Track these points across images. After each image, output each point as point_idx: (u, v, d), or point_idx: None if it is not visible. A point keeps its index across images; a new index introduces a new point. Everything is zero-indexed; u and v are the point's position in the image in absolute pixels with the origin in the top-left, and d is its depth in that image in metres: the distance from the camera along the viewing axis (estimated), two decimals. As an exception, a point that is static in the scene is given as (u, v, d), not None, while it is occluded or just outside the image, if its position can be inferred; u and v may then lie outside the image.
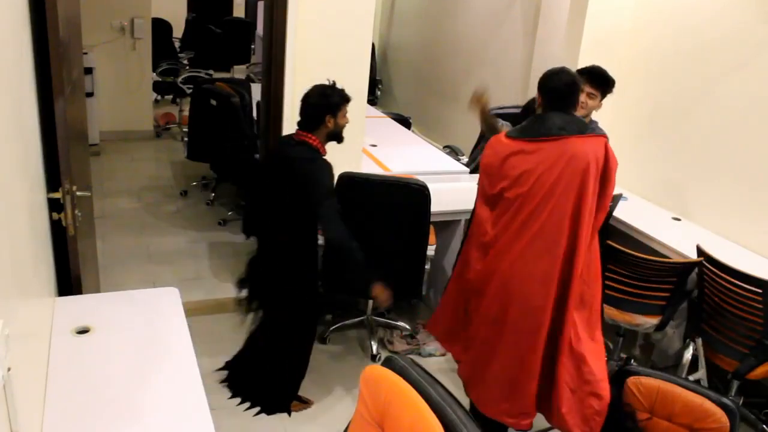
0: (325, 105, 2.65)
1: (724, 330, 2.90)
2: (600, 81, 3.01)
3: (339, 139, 2.75)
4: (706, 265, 2.91)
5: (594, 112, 3.07)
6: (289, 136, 2.78)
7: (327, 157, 2.73)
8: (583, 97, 2.92)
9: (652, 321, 3.13)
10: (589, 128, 2.45)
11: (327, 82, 2.70)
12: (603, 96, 3.04)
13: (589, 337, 2.53)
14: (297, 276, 2.85)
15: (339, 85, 2.70)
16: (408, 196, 3.12)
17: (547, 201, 2.39)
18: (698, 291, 3.04)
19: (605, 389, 2.42)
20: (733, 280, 2.79)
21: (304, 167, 2.66)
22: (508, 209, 2.49)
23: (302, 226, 2.78)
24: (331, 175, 2.72)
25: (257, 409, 2.97)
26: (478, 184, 2.66)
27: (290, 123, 3.47)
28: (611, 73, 3.04)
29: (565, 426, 2.50)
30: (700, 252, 2.95)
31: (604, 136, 2.47)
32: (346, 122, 2.74)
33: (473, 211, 2.75)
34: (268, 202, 2.82)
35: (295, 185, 2.68)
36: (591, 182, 2.36)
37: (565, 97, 2.46)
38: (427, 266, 3.36)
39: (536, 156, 2.41)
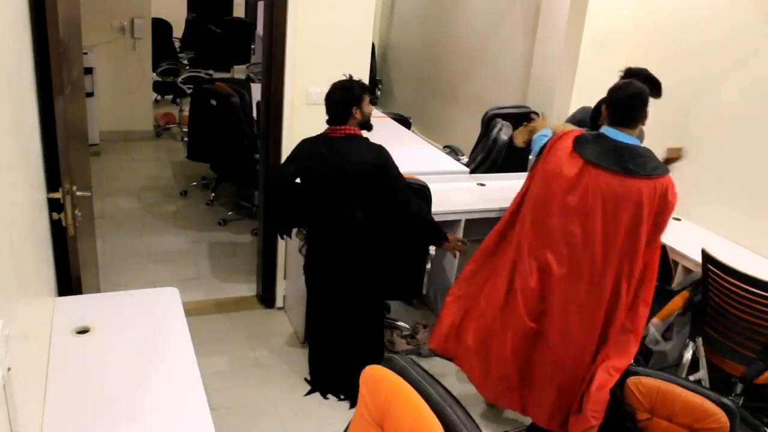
0: (349, 98, 2.83)
1: (730, 334, 2.86)
2: (659, 90, 2.82)
3: (368, 127, 2.94)
4: (711, 268, 2.86)
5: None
6: (326, 135, 2.89)
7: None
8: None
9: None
10: (660, 168, 2.42)
11: (344, 77, 2.88)
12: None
13: (619, 355, 2.52)
14: (379, 253, 3.04)
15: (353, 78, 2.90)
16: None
17: (606, 239, 2.43)
18: (702, 294, 2.99)
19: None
20: (739, 283, 2.74)
21: (372, 155, 2.87)
22: (568, 238, 2.49)
23: (375, 208, 2.95)
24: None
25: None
26: (530, 183, 2.65)
27: (290, 123, 3.47)
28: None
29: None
30: (706, 255, 2.89)
31: (668, 174, 2.44)
32: (371, 110, 2.94)
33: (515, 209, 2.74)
34: (335, 199, 2.90)
35: (364, 175, 2.86)
36: (645, 222, 2.40)
37: (629, 110, 2.43)
38: (428, 266, 3.36)
39: (607, 189, 2.40)
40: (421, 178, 3.22)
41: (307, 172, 2.90)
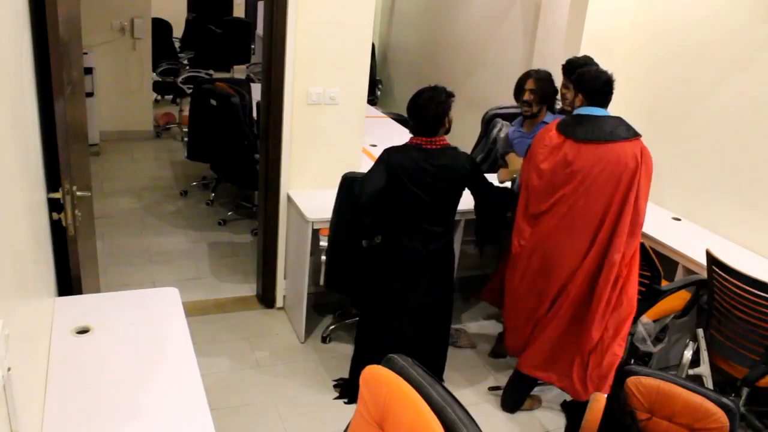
0: (443, 110, 2.79)
1: (733, 336, 2.84)
2: (572, 73, 3.10)
3: (449, 131, 2.92)
4: (716, 270, 2.84)
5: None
6: (420, 147, 2.82)
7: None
8: (562, 89, 3.30)
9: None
10: (631, 131, 2.72)
11: (431, 85, 2.84)
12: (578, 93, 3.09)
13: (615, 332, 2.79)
14: (452, 256, 3.08)
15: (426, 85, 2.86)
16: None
17: (588, 193, 2.72)
18: (707, 296, 2.97)
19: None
20: (743, 285, 2.72)
21: (467, 160, 2.90)
22: (555, 198, 2.79)
23: (452, 217, 3.00)
24: None
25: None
26: (528, 165, 2.93)
27: (290, 123, 3.47)
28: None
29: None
30: (710, 257, 2.87)
31: (640, 137, 2.74)
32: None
33: (520, 185, 3.02)
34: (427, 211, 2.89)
35: (464, 181, 2.90)
36: (628, 179, 2.68)
37: (607, 94, 2.77)
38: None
39: (587, 156, 2.70)
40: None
41: (402, 175, 2.81)
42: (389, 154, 2.86)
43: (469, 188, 2.96)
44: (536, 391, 3.21)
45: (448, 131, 2.88)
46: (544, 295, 2.90)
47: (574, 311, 2.85)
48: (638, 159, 2.67)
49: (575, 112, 2.81)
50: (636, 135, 2.71)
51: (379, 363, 1.62)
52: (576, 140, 2.72)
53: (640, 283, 3.02)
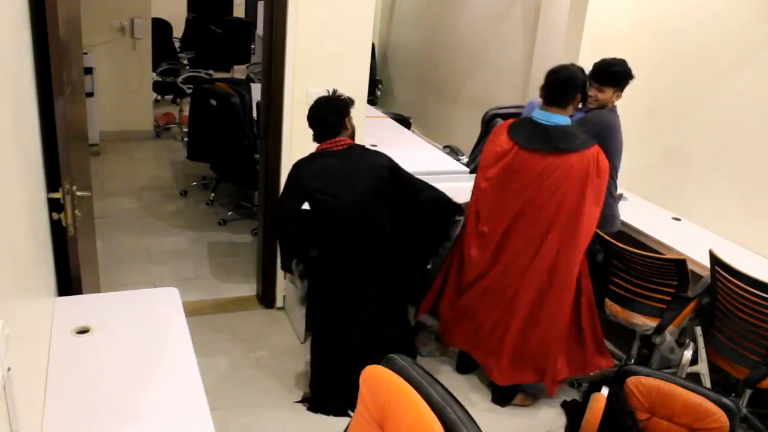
0: (341, 109, 2.83)
1: (735, 337, 2.83)
2: (600, 77, 3.21)
3: (353, 138, 2.95)
4: (719, 270, 2.82)
5: (616, 102, 3.27)
6: (326, 150, 2.84)
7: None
8: (592, 92, 3.21)
9: (650, 323, 3.12)
10: (586, 141, 2.70)
11: (327, 92, 2.88)
12: (617, 88, 3.22)
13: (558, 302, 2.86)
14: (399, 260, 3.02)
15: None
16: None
17: (533, 203, 2.74)
18: (710, 297, 2.95)
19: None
20: (745, 286, 2.70)
21: (383, 157, 2.92)
22: (501, 210, 2.83)
23: (395, 213, 3.01)
24: None
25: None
26: (479, 171, 2.95)
27: (290, 123, 3.47)
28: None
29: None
30: (714, 258, 2.84)
31: (594, 147, 2.70)
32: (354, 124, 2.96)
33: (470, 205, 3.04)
34: (361, 210, 2.87)
35: (383, 180, 2.89)
36: (578, 189, 2.67)
37: (561, 93, 2.72)
38: (429, 266, 3.37)
39: (533, 166, 2.71)
40: (421, 178, 3.22)
41: (316, 193, 2.79)
42: (296, 164, 2.86)
43: (394, 181, 2.90)
44: (532, 389, 3.21)
45: (352, 137, 2.91)
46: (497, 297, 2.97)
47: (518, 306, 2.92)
48: (587, 170, 2.64)
49: (533, 114, 2.79)
50: (587, 146, 2.67)
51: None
52: (523, 149, 2.73)
53: (665, 293, 3.05)
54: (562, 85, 2.71)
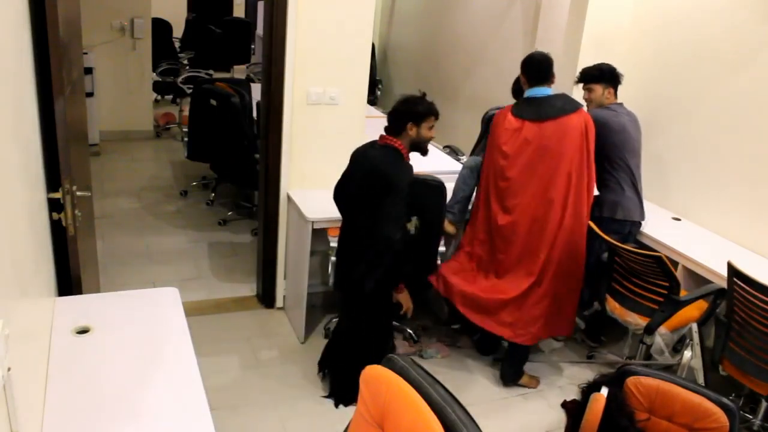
0: (407, 112, 2.80)
1: (754, 350, 2.71)
2: (584, 77, 3.49)
3: (422, 150, 2.93)
4: (737, 281, 2.71)
5: (607, 100, 3.47)
6: (373, 141, 2.86)
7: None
8: (584, 95, 3.50)
9: (642, 322, 3.11)
10: (576, 102, 3.06)
11: (418, 92, 2.90)
12: (604, 83, 3.43)
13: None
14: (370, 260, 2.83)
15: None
16: (425, 192, 3.23)
17: (550, 162, 3.00)
18: (727, 309, 2.84)
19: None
20: (762, 296, 2.59)
21: (386, 166, 2.83)
22: (514, 175, 3.08)
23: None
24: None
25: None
26: (491, 152, 3.22)
27: (290, 123, 3.47)
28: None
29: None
30: (731, 269, 2.72)
31: (582, 109, 3.06)
32: (431, 136, 2.93)
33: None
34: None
35: (370, 186, 2.78)
36: (581, 145, 3.01)
37: (543, 71, 3.08)
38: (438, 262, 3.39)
39: (549, 132, 3.00)
40: (422, 178, 3.22)
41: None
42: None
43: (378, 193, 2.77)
44: (535, 371, 3.28)
45: (416, 146, 2.84)
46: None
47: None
48: (584, 127, 3.00)
49: (526, 94, 3.10)
50: (578, 107, 3.02)
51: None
52: (533, 121, 3.02)
53: (659, 294, 3.04)
54: (543, 63, 3.08)
